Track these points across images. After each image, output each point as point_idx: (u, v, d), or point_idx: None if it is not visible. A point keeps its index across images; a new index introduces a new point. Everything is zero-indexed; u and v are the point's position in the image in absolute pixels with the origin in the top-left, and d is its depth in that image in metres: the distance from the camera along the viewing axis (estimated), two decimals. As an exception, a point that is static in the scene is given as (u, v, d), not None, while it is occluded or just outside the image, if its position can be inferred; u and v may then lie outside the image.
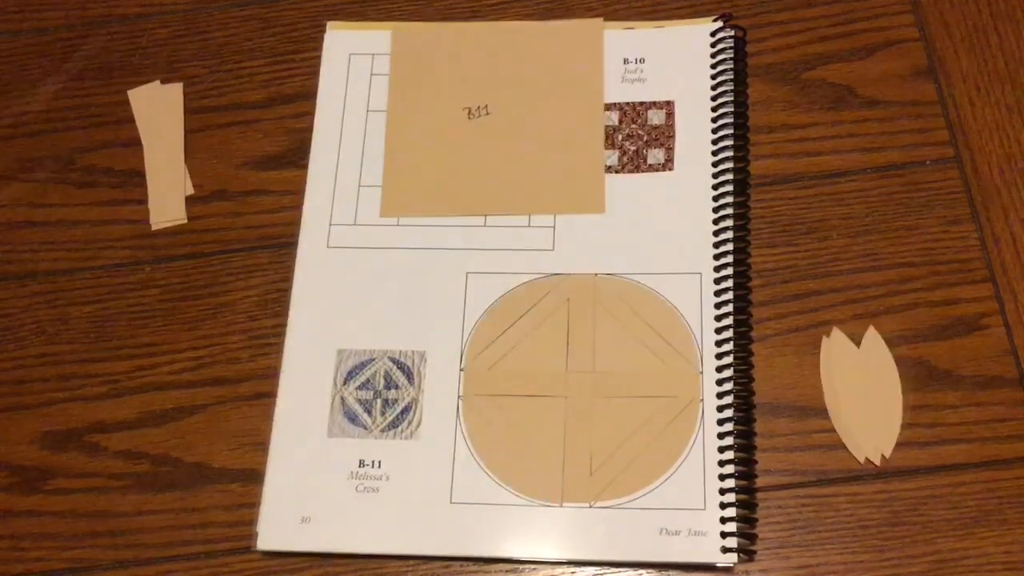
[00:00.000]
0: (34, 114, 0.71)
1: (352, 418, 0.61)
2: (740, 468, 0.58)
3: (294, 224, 0.66)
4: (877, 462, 0.59)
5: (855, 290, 0.63)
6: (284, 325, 0.64)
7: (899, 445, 0.59)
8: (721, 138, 0.66)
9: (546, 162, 0.67)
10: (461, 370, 0.62)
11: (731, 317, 0.61)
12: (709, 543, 0.57)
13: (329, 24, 0.72)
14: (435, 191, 0.66)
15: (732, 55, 0.68)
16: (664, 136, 0.66)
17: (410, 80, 0.69)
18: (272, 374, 0.63)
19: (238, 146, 0.69)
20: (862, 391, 0.60)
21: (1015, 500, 0.58)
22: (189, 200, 0.68)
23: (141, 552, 0.60)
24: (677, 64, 0.68)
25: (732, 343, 0.61)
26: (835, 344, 0.62)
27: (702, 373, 0.61)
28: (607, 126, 0.67)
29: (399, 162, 0.67)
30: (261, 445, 0.61)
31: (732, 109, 0.66)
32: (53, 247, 0.68)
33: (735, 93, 0.67)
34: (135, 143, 0.70)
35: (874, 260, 0.63)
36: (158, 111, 0.71)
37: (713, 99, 0.67)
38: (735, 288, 0.62)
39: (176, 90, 0.71)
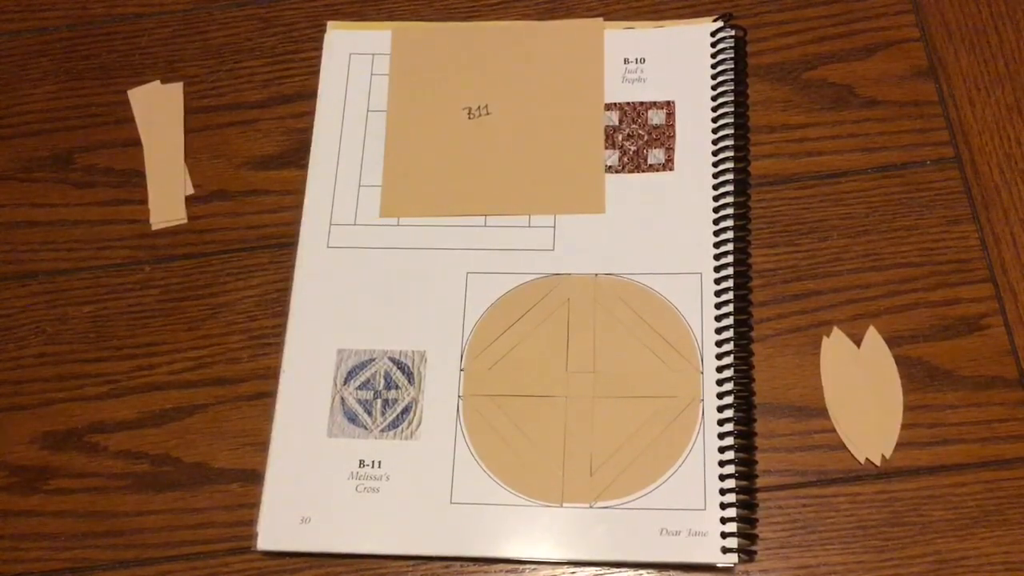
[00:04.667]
0: (34, 114, 0.71)
1: (352, 418, 0.61)
2: (740, 468, 0.58)
3: (294, 224, 0.66)
4: (877, 462, 0.59)
5: (855, 290, 0.63)
6: (284, 325, 0.64)
7: (899, 445, 0.59)
8: (721, 138, 0.66)
9: (546, 162, 0.67)
10: (461, 370, 0.62)
11: (731, 317, 0.61)
12: (709, 543, 0.57)
13: (329, 24, 0.72)
14: (435, 191, 0.66)
15: (732, 55, 0.68)
16: (664, 136, 0.66)
17: (410, 80, 0.69)
18: (272, 374, 0.63)
19: (238, 146, 0.69)
20: (862, 391, 0.60)
21: (1015, 500, 0.58)
22: (189, 200, 0.68)
23: (141, 552, 0.60)
24: (677, 64, 0.68)
25: (732, 343, 0.61)
26: (835, 344, 0.62)
27: (702, 373, 0.61)
28: (607, 126, 0.67)
29: (399, 162, 0.67)
30: (261, 445, 0.61)
31: (732, 109, 0.66)
32: (53, 247, 0.67)
33: (735, 93, 0.67)
34: (135, 143, 0.70)
35: (874, 260, 0.63)
36: (158, 111, 0.70)
37: (713, 99, 0.67)
38: (735, 288, 0.62)
39: (176, 90, 0.71)
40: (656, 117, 0.67)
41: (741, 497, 0.58)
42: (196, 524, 0.60)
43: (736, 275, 0.62)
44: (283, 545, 0.59)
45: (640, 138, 0.67)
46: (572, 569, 0.58)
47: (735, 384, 0.60)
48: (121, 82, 0.72)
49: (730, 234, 0.63)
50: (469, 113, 0.68)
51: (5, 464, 0.62)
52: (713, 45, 0.68)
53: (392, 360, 0.62)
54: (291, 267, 0.65)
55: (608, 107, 0.68)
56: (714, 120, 0.66)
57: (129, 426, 0.63)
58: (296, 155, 0.69)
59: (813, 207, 0.65)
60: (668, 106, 0.67)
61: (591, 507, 0.58)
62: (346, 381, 0.62)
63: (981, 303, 0.62)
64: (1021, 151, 0.65)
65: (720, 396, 0.60)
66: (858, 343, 0.61)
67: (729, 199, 0.64)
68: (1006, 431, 0.59)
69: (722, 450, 0.59)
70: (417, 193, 0.66)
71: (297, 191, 0.67)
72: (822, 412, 0.60)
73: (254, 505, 0.60)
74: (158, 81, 0.72)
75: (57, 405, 0.63)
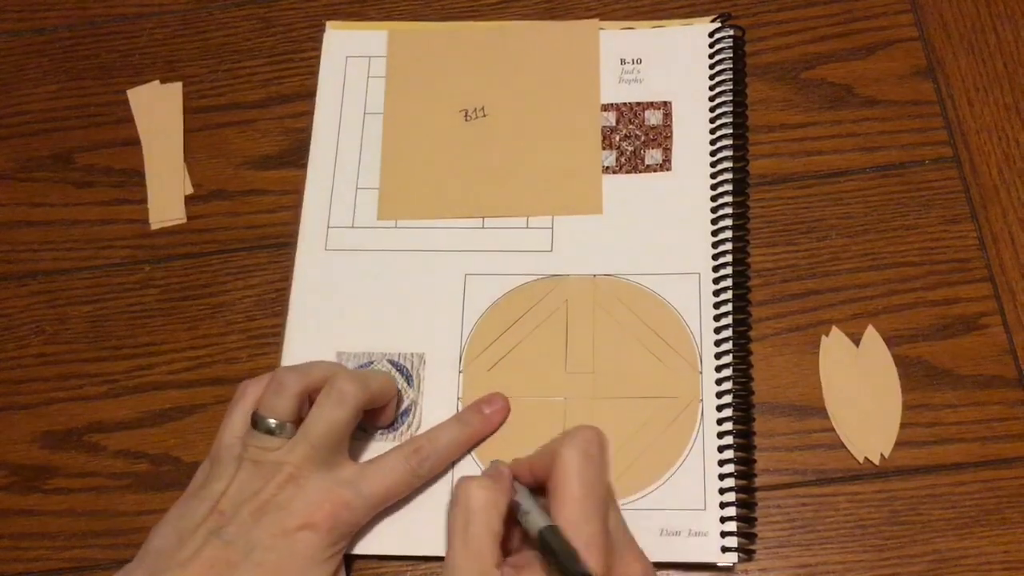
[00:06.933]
0: (34, 114, 0.71)
1: (351, 418, 0.61)
2: (740, 468, 0.58)
3: (293, 224, 0.66)
4: (876, 462, 0.59)
5: (854, 290, 0.63)
6: (283, 325, 0.64)
7: (898, 445, 0.59)
8: (719, 138, 0.66)
9: (543, 163, 0.66)
10: (460, 372, 0.62)
11: (730, 317, 0.61)
12: (709, 543, 0.57)
13: (328, 24, 0.72)
14: (432, 193, 0.66)
15: (730, 55, 0.68)
16: (662, 136, 0.66)
17: (406, 82, 0.69)
18: (271, 374, 0.63)
19: (237, 146, 0.69)
20: (861, 391, 0.60)
21: (1015, 500, 0.58)
22: (188, 200, 0.68)
23: (141, 552, 0.60)
24: (675, 64, 0.68)
25: (731, 343, 0.61)
26: (834, 344, 0.62)
27: (701, 373, 0.61)
28: (604, 127, 0.67)
29: (396, 165, 0.67)
30: (260, 445, 0.61)
31: (730, 109, 0.66)
32: (53, 247, 0.68)
33: (734, 93, 0.67)
34: (135, 143, 0.70)
35: (873, 260, 0.63)
36: (158, 111, 0.71)
37: (711, 99, 0.67)
38: (734, 288, 0.62)
39: (176, 90, 0.71)
40: (653, 117, 0.67)
41: (740, 497, 0.58)
42: (196, 524, 0.60)
43: (735, 275, 0.62)
44: (282, 545, 0.59)
45: (637, 138, 0.67)
46: (571, 569, 0.58)
47: (734, 384, 0.60)
48: (121, 82, 0.72)
49: (728, 234, 0.63)
50: (465, 115, 0.68)
51: (5, 464, 0.62)
52: (711, 45, 0.68)
53: (391, 362, 0.62)
54: (290, 267, 0.65)
55: (605, 108, 0.67)
56: (712, 120, 0.66)
57: (129, 426, 0.63)
58: (295, 155, 0.69)
59: (812, 207, 0.65)
60: (665, 106, 0.67)
61: (590, 507, 0.58)
62: (345, 381, 0.62)
63: (980, 302, 0.62)
64: (1020, 151, 0.65)
65: (719, 396, 0.60)
66: (857, 343, 0.61)
67: (727, 199, 0.64)
68: (1005, 431, 0.59)
69: (721, 450, 0.59)
70: (414, 195, 0.66)
71: (296, 191, 0.67)
72: (821, 412, 0.60)
73: (253, 505, 0.60)
74: (157, 81, 0.72)
75: (57, 405, 0.64)
